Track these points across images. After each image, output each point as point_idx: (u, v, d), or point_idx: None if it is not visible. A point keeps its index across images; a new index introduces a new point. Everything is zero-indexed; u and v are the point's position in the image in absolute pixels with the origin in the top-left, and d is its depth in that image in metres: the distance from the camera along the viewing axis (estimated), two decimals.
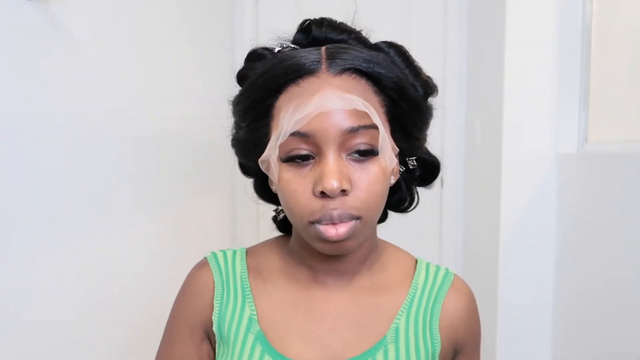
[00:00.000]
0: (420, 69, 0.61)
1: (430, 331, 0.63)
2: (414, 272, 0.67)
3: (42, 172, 1.14)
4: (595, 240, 1.54)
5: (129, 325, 1.47)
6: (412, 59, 0.61)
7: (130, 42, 1.50)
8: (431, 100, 0.63)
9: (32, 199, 1.11)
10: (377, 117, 0.55)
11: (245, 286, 0.65)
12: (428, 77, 0.62)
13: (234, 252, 0.69)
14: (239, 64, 0.63)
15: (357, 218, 0.55)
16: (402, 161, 0.64)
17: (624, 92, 1.65)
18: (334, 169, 0.53)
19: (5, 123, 1.03)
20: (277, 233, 0.72)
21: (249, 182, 0.72)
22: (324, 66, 0.55)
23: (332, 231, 0.54)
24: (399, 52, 0.60)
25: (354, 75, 0.55)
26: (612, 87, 1.72)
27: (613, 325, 1.43)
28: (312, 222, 0.55)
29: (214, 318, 0.64)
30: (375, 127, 0.54)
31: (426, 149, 0.66)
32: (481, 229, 2.13)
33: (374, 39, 0.62)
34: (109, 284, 1.38)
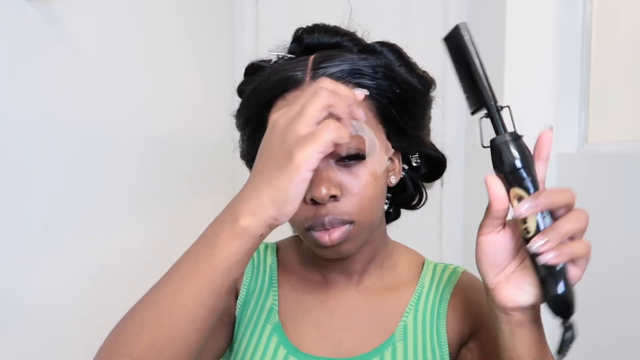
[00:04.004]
0: (415, 65, 0.61)
1: (438, 329, 0.64)
2: (421, 272, 0.68)
3: (41, 172, 1.14)
4: (595, 241, 1.53)
5: None
6: (406, 56, 0.61)
7: (130, 42, 1.50)
8: (431, 95, 0.63)
9: (31, 198, 1.11)
10: (364, 127, 0.55)
11: (273, 276, 0.69)
12: (424, 72, 0.62)
13: (266, 245, 0.72)
14: (239, 63, 0.64)
15: (350, 222, 0.56)
16: (405, 159, 0.64)
17: (624, 92, 1.65)
18: (322, 176, 0.54)
19: (4, 123, 1.03)
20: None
21: None
22: (308, 78, 0.56)
23: (326, 237, 0.55)
24: (393, 50, 0.60)
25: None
26: (612, 87, 1.71)
27: (612, 325, 1.43)
28: (307, 229, 0.57)
29: (239, 303, 0.67)
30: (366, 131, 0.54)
31: (431, 144, 0.66)
32: None
33: (372, 39, 0.62)
34: (108, 285, 1.38)
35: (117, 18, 1.43)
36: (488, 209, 0.48)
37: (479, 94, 0.48)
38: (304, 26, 0.62)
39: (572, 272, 0.46)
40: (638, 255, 1.32)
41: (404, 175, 0.65)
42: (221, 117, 2.19)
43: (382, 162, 0.57)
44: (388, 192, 0.66)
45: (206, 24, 2.13)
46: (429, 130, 0.65)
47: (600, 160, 1.58)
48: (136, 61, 1.54)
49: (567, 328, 0.46)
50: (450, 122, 2.35)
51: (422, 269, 0.69)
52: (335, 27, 0.62)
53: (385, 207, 0.66)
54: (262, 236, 0.46)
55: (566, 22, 1.78)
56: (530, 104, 1.81)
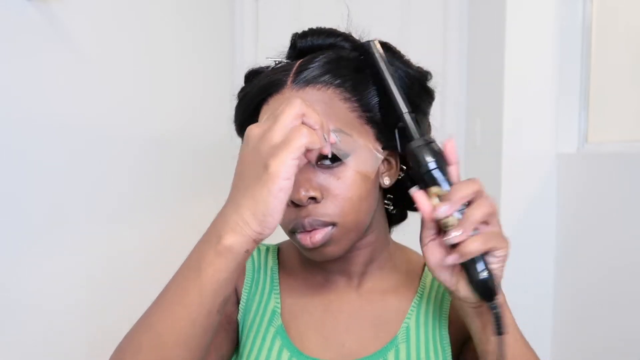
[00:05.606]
0: (408, 61, 0.61)
1: (440, 331, 0.63)
2: (423, 273, 0.67)
3: (41, 172, 1.14)
4: (595, 240, 1.54)
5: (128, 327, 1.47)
6: (399, 53, 0.61)
7: (130, 42, 1.50)
8: (431, 90, 0.62)
9: (31, 198, 1.11)
10: (345, 127, 0.55)
11: (274, 279, 0.68)
12: (418, 67, 0.61)
13: (267, 248, 0.71)
14: (239, 64, 0.64)
15: (332, 224, 0.55)
16: (403, 160, 0.63)
17: (624, 92, 1.65)
18: (301, 178, 0.53)
19: (4, 123, 1.03)
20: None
21: None
22: (289, 82, 0.56)
23: (307, 239, 0.55)
24: (384, 47, 0.59)
25: (319, 86, 0.56)
26: (612, 87, 1.71)
27: (612, 325, 1.43)
28: (291, 231, 0.56)
29: (240, 307, 0.66)
30: (343, 132, 0.54)
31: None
32: None
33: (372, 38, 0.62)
34: (107, 285, 1.38)
35: (117, 18, 1.43)
36: (422, 221, 0.51)
37: (395, 106, 0.53)
38: (299, 31, 0.62)
39: (491, 261, 0.48)
40: (638, 255, 1.32)
41: (402, 176, 0.64)
42: (221, 117, 2.18)
43: (368, 163, 0.56)
44: (390, 194, 0.65)
45: (206, 24, 2.13)
46: (427, 127, 0.63)
47: (600, 160, 1.58)
48: (136, 61, 1.54)
49: (494, 308, 0.50)
50: (450, 122, 2.35)
51: (424, 270, 0.68)
52: (330, 29, 0.62)
53: (391, 208, 0.65)
54: (248, 252, 0.46)
55: (566, 22, 1.78)
56: (530, 104, 1.81)
